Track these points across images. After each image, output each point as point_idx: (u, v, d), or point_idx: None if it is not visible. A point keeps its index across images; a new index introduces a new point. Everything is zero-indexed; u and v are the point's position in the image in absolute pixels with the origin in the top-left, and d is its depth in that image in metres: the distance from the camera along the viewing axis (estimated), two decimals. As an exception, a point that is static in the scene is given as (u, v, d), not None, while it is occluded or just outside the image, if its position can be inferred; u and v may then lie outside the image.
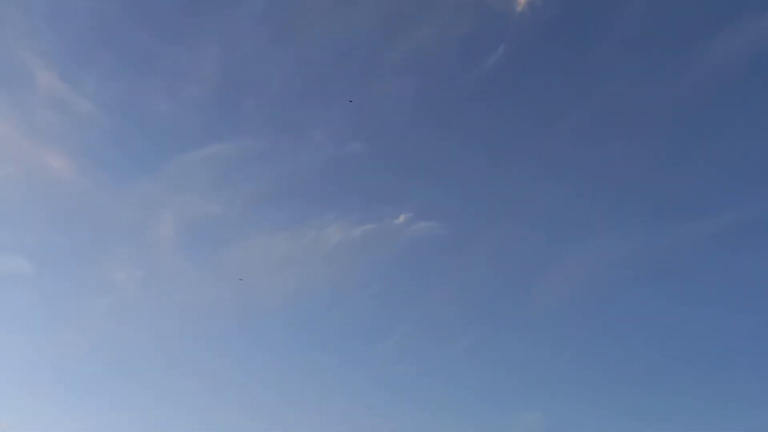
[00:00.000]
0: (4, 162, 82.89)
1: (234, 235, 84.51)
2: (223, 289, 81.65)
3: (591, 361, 74.13)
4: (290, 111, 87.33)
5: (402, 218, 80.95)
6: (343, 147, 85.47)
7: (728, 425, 63.67)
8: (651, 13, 78.68)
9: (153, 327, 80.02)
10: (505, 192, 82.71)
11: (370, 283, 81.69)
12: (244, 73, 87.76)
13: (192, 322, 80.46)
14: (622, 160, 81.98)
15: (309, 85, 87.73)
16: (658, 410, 67.64)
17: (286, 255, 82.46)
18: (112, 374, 76.54)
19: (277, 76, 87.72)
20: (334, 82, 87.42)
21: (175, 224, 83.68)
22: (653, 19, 78.82)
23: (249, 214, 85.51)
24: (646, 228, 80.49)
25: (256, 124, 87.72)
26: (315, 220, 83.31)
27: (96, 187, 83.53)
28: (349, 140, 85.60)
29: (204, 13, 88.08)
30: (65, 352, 77.63)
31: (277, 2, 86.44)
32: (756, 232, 74.28)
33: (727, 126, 78.01)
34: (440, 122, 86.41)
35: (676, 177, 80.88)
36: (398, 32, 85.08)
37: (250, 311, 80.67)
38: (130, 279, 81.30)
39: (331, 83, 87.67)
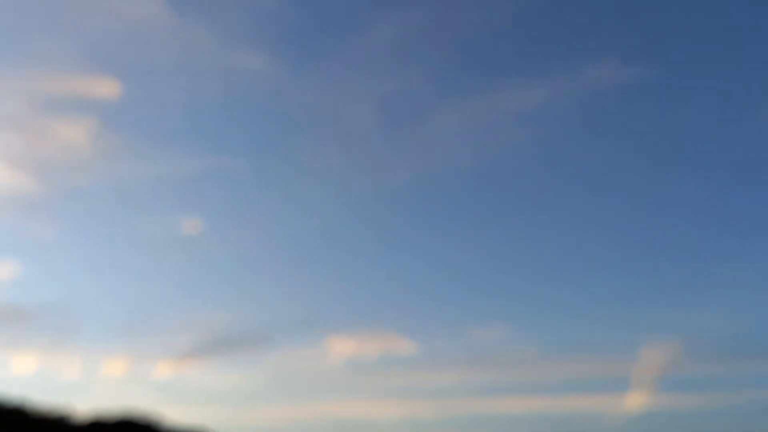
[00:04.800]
0: (207, 68, 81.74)
1: (425, 108, 79.79)
2: (418, 163, 77.56)
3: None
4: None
5: (602, 69, 72.59)
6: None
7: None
8: None
9: (353, 208, 78.16)
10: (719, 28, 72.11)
11: (570, 141, 74.56)
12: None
13: (392, 199, 77.56)
14: None
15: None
16: None
17: (479, 122, 76.96)
18: (331, 250, 75.04)
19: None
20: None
21: (369, 103, 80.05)
22: None
23: (437, 84, 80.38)
24: None
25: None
26: (506, 82, 76.52)
27: (289, 78, 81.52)
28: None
29: None
30: (293, 234, 77.34)
31: None
32: None
33: None
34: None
35: None
36: None
37: (447, 184, 76.28)
38: (332, 163, 79.14)
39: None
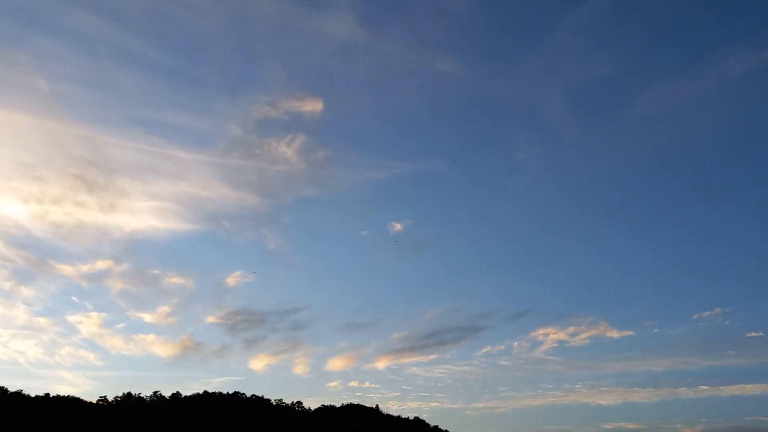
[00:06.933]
0: (405, 76, 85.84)
1: (624, 91, 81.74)
2: (622, 150, 77.76)
3: None
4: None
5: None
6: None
7: None
8: None
9: (554, 200, 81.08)
10: None
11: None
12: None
13: (587, 191, 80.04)
14: None
15: None
16: None
17: (686, 99, 78.04)
18: (527, 248, 76.44)
19: None
20: None
21: (564, 94, 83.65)
22: None
23: (638, 64, 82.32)
24: None
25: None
26: (713, 55, 76.24)
27: (485, 77, 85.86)
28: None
29: None
30: (498, 230, 79.50)
31: None
32: None
33: None
34: None
35: None
36: None
37: (652, 170, 76.57)
38: (530, 157, 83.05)
39: None
